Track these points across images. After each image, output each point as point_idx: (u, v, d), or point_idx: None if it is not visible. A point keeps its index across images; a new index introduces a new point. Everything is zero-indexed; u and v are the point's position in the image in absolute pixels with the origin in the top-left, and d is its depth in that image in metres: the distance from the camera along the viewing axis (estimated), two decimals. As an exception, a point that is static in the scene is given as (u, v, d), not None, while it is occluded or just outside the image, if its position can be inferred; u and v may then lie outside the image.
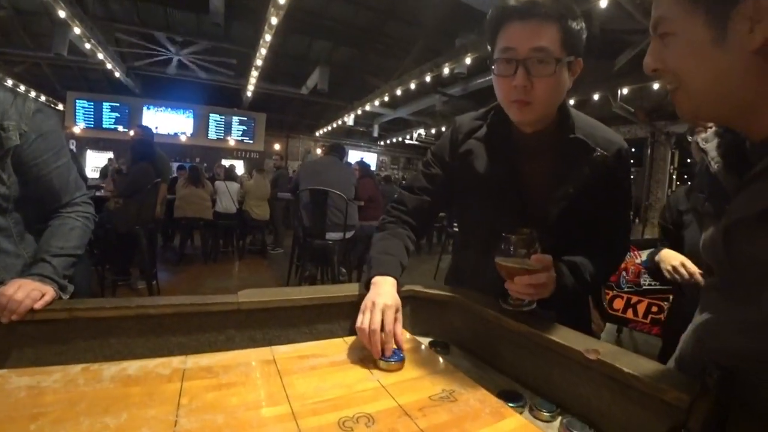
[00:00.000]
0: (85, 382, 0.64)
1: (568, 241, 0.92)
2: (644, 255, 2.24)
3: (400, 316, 0.82)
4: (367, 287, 0.91)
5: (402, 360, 0.75)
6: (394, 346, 0.76)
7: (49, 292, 0.82)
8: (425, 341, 0.94)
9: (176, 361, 0.72)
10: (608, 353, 0.66)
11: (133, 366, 0.69)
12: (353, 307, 0.95)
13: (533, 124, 0.92)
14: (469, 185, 1.03)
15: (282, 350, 0.78)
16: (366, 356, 0.77)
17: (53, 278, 0.87)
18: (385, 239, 1.01)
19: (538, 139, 0.95)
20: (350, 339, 0.84)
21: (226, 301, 0.84)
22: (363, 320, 0.78)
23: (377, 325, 0.76)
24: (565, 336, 0.74)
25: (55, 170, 0.97)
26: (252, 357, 0.75)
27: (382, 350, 0.74)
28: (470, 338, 0.94)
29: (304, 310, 0.90)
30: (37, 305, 0.77)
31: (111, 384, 0.64)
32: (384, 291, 0.85)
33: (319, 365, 0.72)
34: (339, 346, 0.81)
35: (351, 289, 0.98)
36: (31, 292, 0.78)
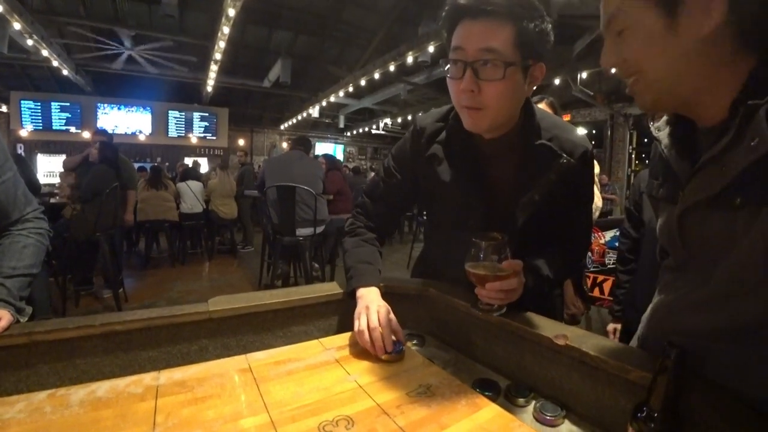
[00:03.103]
0: (52, 409, 0.61)
1: (533, 241, 0.93)
2: (608, 235, 2.34)
3: (393, 316, 0.83)
4: (351, 296, 0.91)
5: (402, 351, 0.78)
6: (394, 339, 0.79)
7: (5, 316, 0.77)
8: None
9: (148, 378, 0.70)
10: (576, 338, 0.69)
11: (102, 387, 0.67)
12: (327, 307, 0.96)
13: (490, 131, 0.89)
14: (433, 190, 1.00)
15: (257, 357, 0.77)
16: (343, 356, 0.77)
17: (8, 301, 0.83)
18: (360, 246, 1.01)
19: (502, 144, 0.91)
20: (326, 340, 0.84)
21: (197, 311, 0.83)
22: (361, 323, 0.79)
23: (376, 323, 0.78)
24: (534, 323, 0.77)
25: (0, 186, 0.91)
26: (227, 366, 0.73)
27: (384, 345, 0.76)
28: (444, 329, 0.96)
29: (277, 314, 0.90)
30: (-7, 331, 0.73)
31: (80, 409, 0.61)
32: (373, 299, 0.86)
33: (295, 370, 0.72)
34: (315, 349, 0.81)
35: (323, 289, 0.98)
36: (-16, 319, 0.74)
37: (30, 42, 5.74)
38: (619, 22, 0.57)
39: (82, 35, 7.29)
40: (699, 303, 0.60)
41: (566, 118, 9.29)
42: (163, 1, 5.96)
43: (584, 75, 6.78)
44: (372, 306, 0.82)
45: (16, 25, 5.11)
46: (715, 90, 0.55)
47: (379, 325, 0.78)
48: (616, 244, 2.32)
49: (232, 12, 4.67)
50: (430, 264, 1.14)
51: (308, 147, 4.00)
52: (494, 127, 0.87)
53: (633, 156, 9.41)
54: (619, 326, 1.77)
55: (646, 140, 9.08)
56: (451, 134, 0.95)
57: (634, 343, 0.78)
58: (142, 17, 7.37)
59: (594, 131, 9.77)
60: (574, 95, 7.40)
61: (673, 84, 0.56)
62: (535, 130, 0.90)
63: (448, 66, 0.84)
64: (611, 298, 2.10)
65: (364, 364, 0.75)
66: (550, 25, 0.82)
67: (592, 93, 7.89)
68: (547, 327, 0.75)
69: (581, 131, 1.77)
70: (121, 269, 4.00)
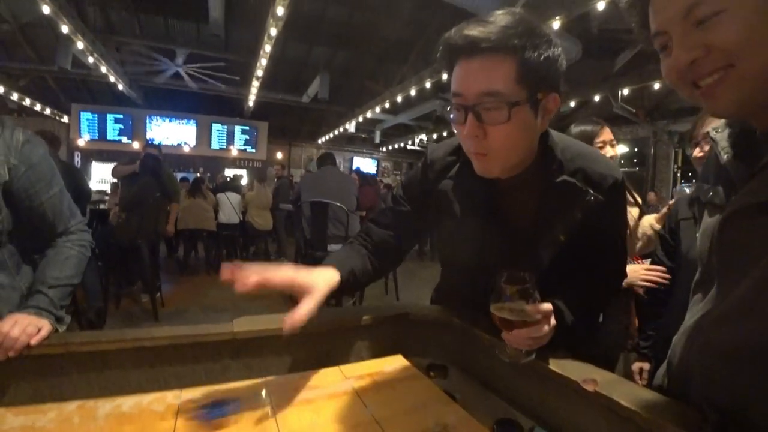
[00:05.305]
0: (80, 420, 0.64)
1: (559, 280, 0.85)
2: (647, 262, 2.22)
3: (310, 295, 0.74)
4: None
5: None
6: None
7: (45, 326, 0.82)
8: (423, 363, 0.94)
9: (170, 396, 0.71)
10: (606, 383, 0.65)
11: (127, 402, 0.69)
12: (350, 332, 0.96)
13: (503, 174, 0.81)
14: (446, 227, 0.95)
15: (277, 382, 0.77)
16: (362, 386, 0.76)
17: (49, 310, 0.88)
18: (340, 250, 0.98)
19: (519, 182, 0.84)
20: (345, 367, 0.83)
21: (221, 332, 0.84)
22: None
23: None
24: (562, 364, 0.73)
25: (48, 200, 0.97)
26: (246, 390, 0.74)
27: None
28: (468, 360, 0.93)
29: (299, 337, 0.89)
30: (33, 341, 0.78)
31: (105, 423, 0.63)
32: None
33: (314, 398, 0.72)
34: (334, 376, 0.80)
35: (347, 313, 0.98)
36: (26, 328, 0.78)
37: (91, 59, 6.19)
38: (709, 5, 0.48)
39: (137, 52, 7.80)
40: (723, 316, 0.55)
41: (607, 135, 8.95)
42: (211, 21, 6.30)
43: (626, 91, 6.56)
44: None
45: (79, 45, 5.54)
46: None
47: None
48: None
49: (274, 31, 4.86)
50: (448, 297, 1.10)
51: (334, 160, 4.10)
52: (507, 170, 0.81)
53: (679, 175, 8.95)
54: (646, 366, 1.62)
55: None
56: (464, 170, 0.88)
57: (663, 369, 0.73)
58: (191, 36, 7.80)
59: (636, 149, 9.39)
60: (615, 112, 7.16)
61: None
62: (557, 165, 0.83)
63: (451, 110, 0.77)
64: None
65: (383, 396, 0.73)
66: (558, 49, 0.74)
67: (634, 110, 7.61)
68: (576, 369, 0.71)
69: (621, 149, 1.70)
70: (158, 275, 4.18)
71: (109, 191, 7.25)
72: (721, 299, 0.57)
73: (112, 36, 7.29)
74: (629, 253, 1.72)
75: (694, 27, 0.49)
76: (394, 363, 0.85)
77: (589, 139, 1.59)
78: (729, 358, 0.53)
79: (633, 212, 1.67)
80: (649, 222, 1.73)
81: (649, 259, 1.81)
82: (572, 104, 7.42)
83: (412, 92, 6.76)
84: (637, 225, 1.69)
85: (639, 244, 1.76)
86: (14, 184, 0.91)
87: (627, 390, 0.63)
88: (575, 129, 1.66)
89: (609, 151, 1.62)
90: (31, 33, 7.25)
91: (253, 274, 0.69)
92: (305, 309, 0.71)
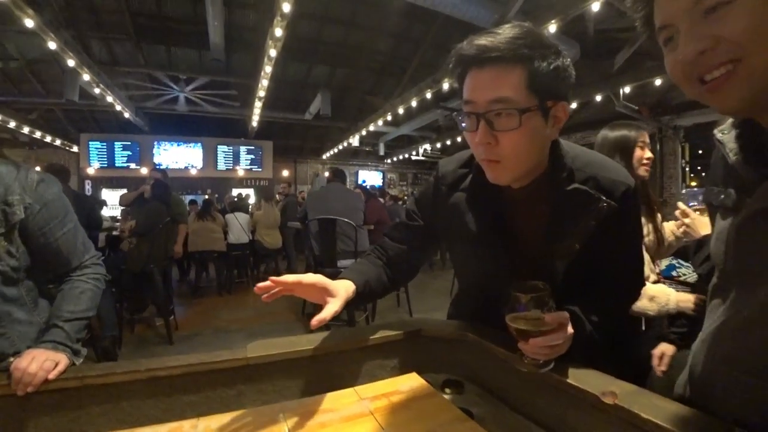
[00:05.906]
0: (97, 457, 0.64)
1: (576, 287, 0.85)
2: (663, 263, 2.18)
3: (334, 298, 0.84)
4: None
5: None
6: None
7: (62, 360, 0.83)
8: (439, 379, 0.93)
9: (187, 426, 0.71)
10: (626, 395, 0.64)
11: (144, 435, 0.69)
12: (363, 352, 0.95)
13: (515, 181, 0.83)
14: (458, 240, 0.96)
15: (291, 406, 0.77)
16: (377, 407, 0.76)
17: (66, 344, 0.89)
18: (356, 263, 1.03)
19: (531, 191, 0.85)
20: (360, 388, 0.83)
21: (235, 358, 0.84)
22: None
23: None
24: (580, 377, 0.72)
25: (62, 237, 0.99)
26: (261, 416, 0.74)
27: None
28: (484, 375, 0.92)
29: (313, 360, 0.90)
30: (51, 376, 0.79)
31: (122, 458, 0.63)
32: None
33: (329, 422, 0.71)
34: (349, 398, 0.79)
35: (358, 332, 0.98)
36: (44, 363, 0.79)
37: (97, 90, 6.34)
38: None
39: (141, 81, 7.98)
40: (745, 325, 0.54)
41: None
42: (212, 47, 6.43)
43: (627, 89, 6.53)
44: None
45: (86, 77, 5.68)
46: None
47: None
48: (673, 273, 2.16)
49: (273, 53, 4.94)
50: (465, 311, 1.09)
51: (343, 177, 4.11)
52: (519, 177, 0.82)
53: (687, 170, 8.83)
54: (669, 351, 1.50)
55: (700, 152, 8.55)
56: (476, 182, 0.90)
57: (684, 375, 0.71)
58: (193, 62, 7.96)
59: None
60: (618, 110, 7.12)
61: None
62: (567, 173, 0.83)
63: (463, 118, 0.79)
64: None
65: (399, 417, 0.72)
66: (567, 60, 0.77)
67: (636, 107, 7.57)
68: (594, 381, 0.69)
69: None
70: (171, 299, 4.21)
71: (119, 216, 7.35)
72: (741, 306, 0.55)
73: (117, 66, 7.46)
74: (659, 257, 1.71)
75: (703, 17, 0.48)
76: (409, 381, 0.85)
77: (632, 141, 1.58)
78: (756, 372, 0.52)
79: (658, 217, 1.67)
80: (670, 228, 1.72)
81: (668, 259, 1.80)
82: (574, 105, 7.42)
83: (413, 103, 6.80)
84: (663, 229, 1.68)
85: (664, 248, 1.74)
86: (30, 223, 0.93)
87: (647, 402, 0.62)
88: (613, 133, 1.62)
89: (647, 152, 1.61)
90: (39, 68, 7.46)
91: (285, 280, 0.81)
92: (331, 309, 0.81)
